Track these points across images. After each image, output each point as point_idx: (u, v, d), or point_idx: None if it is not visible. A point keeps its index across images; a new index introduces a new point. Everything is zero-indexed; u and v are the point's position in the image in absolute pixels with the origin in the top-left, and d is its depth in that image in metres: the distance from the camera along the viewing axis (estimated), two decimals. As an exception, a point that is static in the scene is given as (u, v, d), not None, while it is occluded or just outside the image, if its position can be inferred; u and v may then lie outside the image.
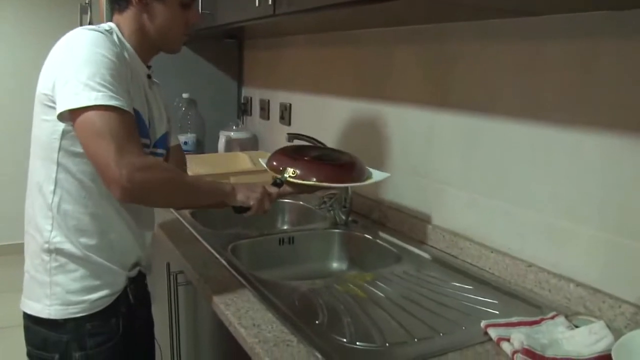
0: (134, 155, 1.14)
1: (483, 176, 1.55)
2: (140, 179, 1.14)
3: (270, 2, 1.64)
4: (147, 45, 1.37)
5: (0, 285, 3.95)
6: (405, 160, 1.83)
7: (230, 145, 2.84)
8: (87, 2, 3.32)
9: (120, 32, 1.33)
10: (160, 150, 1.46)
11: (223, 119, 3.03)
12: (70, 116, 1.17)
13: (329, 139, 1.99)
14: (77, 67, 1.16)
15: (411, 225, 1.78)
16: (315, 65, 2.36)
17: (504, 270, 1.47)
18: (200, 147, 2.99)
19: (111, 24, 1.33)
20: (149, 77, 1.42)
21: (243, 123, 3.05)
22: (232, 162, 2.61)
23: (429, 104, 1.72)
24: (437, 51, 1.68)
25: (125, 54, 1.29)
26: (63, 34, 1.27)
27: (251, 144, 2.89)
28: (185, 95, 2.92)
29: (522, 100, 1.43)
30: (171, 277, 1.65)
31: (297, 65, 2.52)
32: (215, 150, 2.93)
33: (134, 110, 1.27)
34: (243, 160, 2.59)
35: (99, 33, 1.23)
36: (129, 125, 1.19)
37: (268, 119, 2.80)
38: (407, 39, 1.80)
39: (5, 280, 3.81)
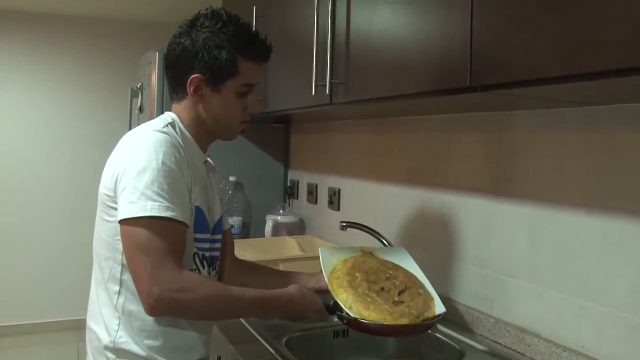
0: (170, 274, 1.14)
1: (550, 268, 1.48)
2: (169, 299, 1.14)
3: (327, 92, 1.65)
4: (204, 134, 1.38)
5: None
6: (463, 250, 1.77)
7: (277, 229, 2.81)
8: (138, 86, 3.42)
9: (181, 121, 1.34)
10: (217, 236, 1.44)
11: (269, 202, 3.01)
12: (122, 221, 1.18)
13: (381, 227, 1.95)
14: (136, 174, 1.17)
15: (471, 317, 1.70)
16: (365, 150, 2.36)
17: (579, 371, 1.37)
18: (246, 230, 2.98)
19: (172, 115, 1.35)
20: (205, 161, 1.42)
21: (289, 206, 3.04)
22: (280, 248, 2.58)
23: (488, 192, 1.68)
24: (497, 139, 1.65)
25: (185, 149, 1.29)
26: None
27: (298, 228, 2.86)
28: (232, 179, 2.93)
29: (592, 189, 1.37)
30: (222, 371, 1.59)
31: (346, 150, 2.52)
32: (261, 234, 2.90)
33: (197, 207, 1.27)
34: (291, 246, 2.56)
35: (163, 135, 1.24)
36: (177, 237, 1.20)
37: (316, 203, 2.78)
38: (464, 126, 1.78)
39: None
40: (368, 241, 1.88)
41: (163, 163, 1.18)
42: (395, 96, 1.44)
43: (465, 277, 1.76)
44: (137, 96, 3.43)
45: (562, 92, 1.17)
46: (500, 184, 1.64)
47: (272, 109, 2.14)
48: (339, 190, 2.55)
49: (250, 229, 3.00)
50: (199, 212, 1.31)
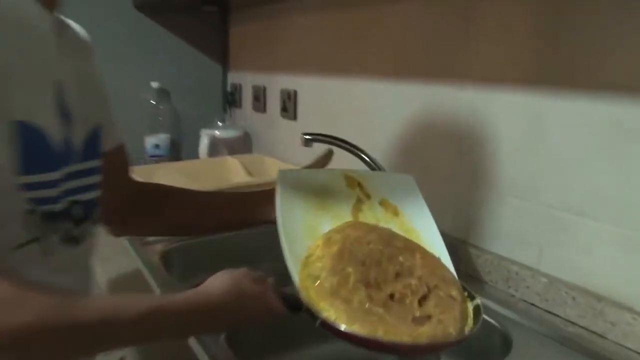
0: None
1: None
2: None
3: None
4: None
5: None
6: (493, 173, 1.18)
7: (215, 148, 2.19)
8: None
9: None
10: (90, 164, 0.80)
11: (205, 114, 2.39)
12: None
13: (360, 143, 1.33)
14: None
15: (507, 274, 1.13)
16: (331, 38, 1.70)
17: None
18: (176, 150, 2.33)
19: None
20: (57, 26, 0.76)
21: (231, 117, 2.40)
22: (220, 172, 1.96)
23: (533, 83, 1.08)
24: (547, 7, 1.04)
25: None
26: None
27: (242, 145, 2.24)
28: (154, 85, 2.26)
29: None
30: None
31: (304, 40, 1.85)
32: (195, 155, 2.27)
33: (29, 127, 0.63)
34: (234, 169, 1.95)
35: None
36: None
37: (265, 111, 2.15)
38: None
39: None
40: (344, 163, 1.26)
41: None
42: None
43: (497, 214, 1.17)
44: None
45: None
46: (555, 70, 1.03)
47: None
48: (295, 92, 1.90)
49: (182, 149, 2.36)
50: (34, 134, 0.65)
